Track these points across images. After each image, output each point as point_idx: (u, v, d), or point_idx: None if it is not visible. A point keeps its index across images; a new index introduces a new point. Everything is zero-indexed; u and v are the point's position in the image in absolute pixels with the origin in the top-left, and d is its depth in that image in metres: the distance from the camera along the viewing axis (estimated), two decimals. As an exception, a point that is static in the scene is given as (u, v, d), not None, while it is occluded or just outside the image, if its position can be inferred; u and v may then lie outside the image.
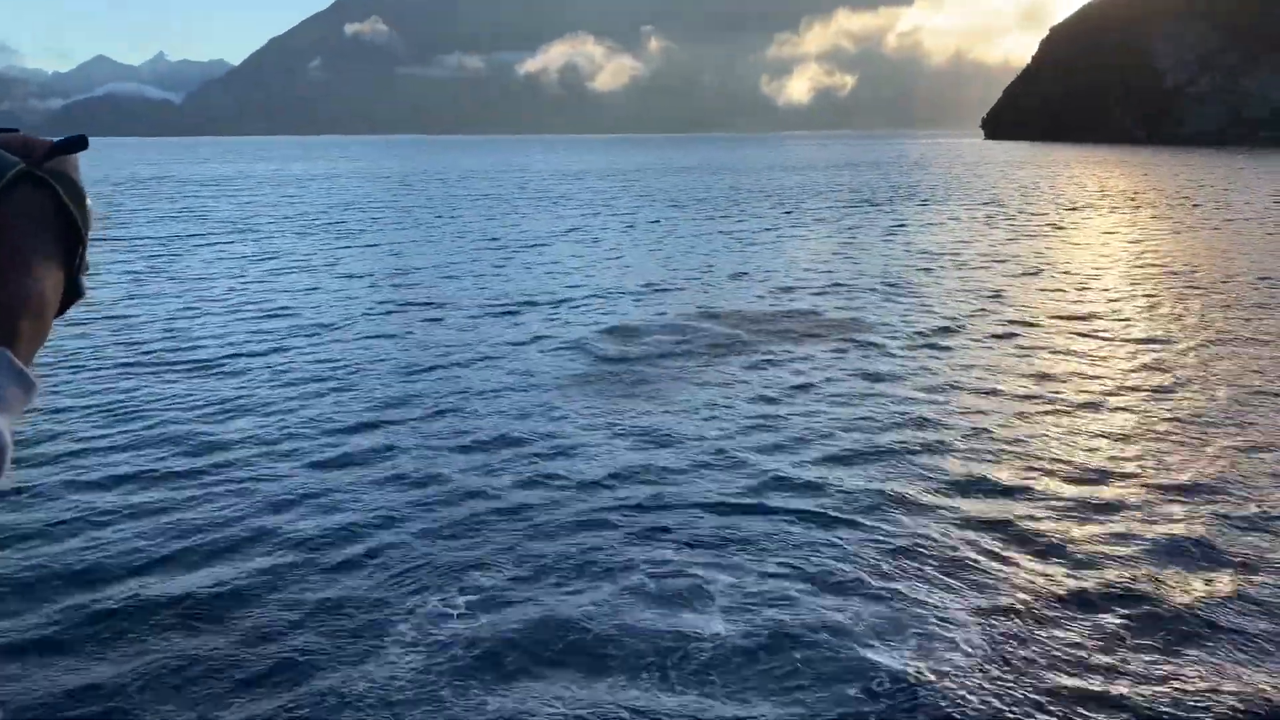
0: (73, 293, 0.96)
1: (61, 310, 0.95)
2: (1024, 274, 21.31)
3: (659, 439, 9.78)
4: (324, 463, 9.14)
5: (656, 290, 19.48)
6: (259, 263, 24.58)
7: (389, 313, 17.36)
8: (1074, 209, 38.81)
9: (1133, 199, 43.92)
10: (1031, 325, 15.51)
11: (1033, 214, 36.77)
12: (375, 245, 28.45)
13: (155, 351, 14.02)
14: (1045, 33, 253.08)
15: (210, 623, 6.16)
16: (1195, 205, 39.47)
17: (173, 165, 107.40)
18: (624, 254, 25.92)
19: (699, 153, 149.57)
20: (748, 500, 8.21)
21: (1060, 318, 16.13)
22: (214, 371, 12.82)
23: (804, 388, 11.78)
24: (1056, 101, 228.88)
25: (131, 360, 13.47)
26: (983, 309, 17.02)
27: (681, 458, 9.24)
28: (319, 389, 11.85)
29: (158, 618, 6.22)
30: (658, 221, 35.62)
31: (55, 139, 0.94)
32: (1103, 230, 30.73)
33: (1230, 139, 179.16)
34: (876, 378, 12.23)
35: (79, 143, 0.94)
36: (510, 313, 17.21)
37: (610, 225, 34.43)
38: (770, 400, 11.21)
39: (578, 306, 17.74)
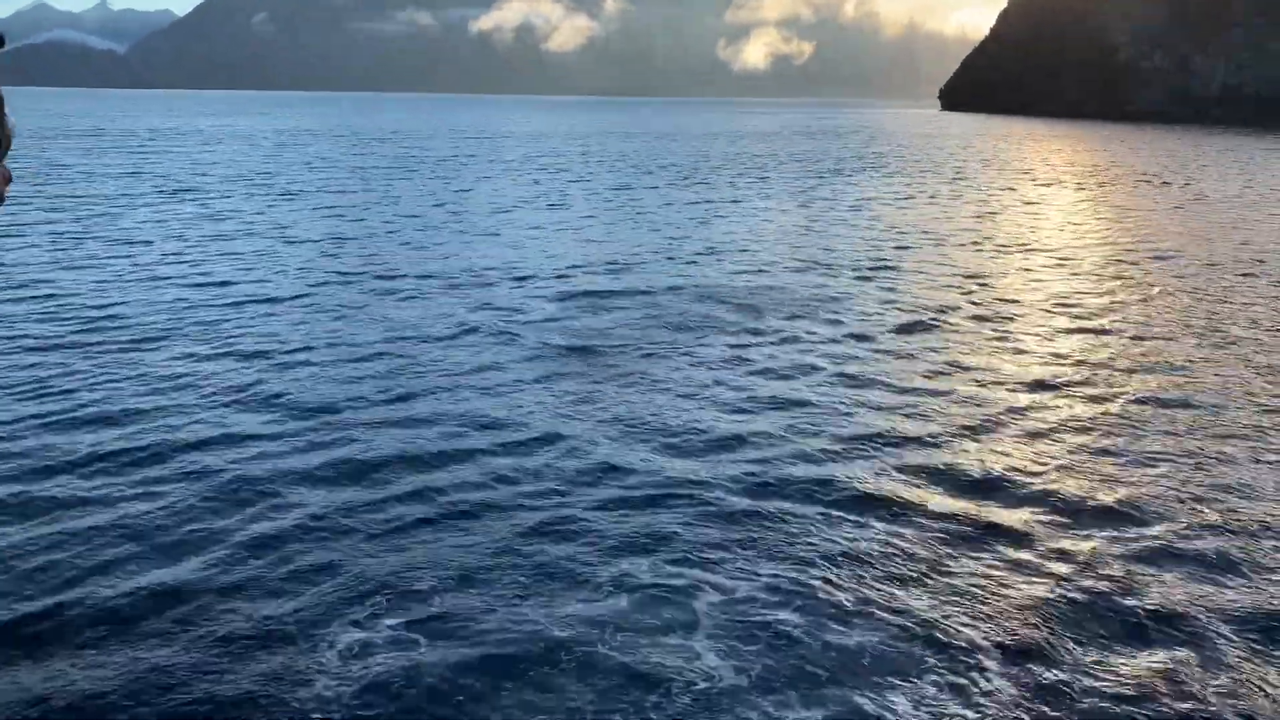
0: None
1: None
2: (1003, 254, 20.56)
3: (627, 436, 8.79)
4: (253, 462, 8.03)
5: (624, 266, 18.39)
6: (198, 225, 23.06)
7: (334, 287, 16.07)
8: (1046, 185, 38.23)
9: (1100, 175, 43.52)
10: (1017, 314, 14.70)
11: (1002, 188, 36.14)
12: (323, 209, 26.97)
13: (78, 328, 12.70)
14: (999, 6, 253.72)
15: (104, 654, 5.07)
16: (1164, 183, 39.15)
17: (114, 118, 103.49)
18: (590, 225, 24.75)
19: (660, 117, 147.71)
20: (730, 506, 7.29)
21: (1048, 305, 15.34)
22: (140, 352, 11.55)
23: (784, 377, 10.84)
24: (1012, 75, 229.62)
25: (50, 337, 12.14)
26: (966, 292, 16.18)
27: (653, 458, 8.26)
28: (253, 375, 10.66)
29: (46, 648, 5.12)
30: (623, 189, 34.41)
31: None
32: (1077, 208, 30.13)
33: (1180, 117, 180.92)
34: (860, 372, 11.31)
35: None
36: (467, 289, 16.04)
37: (573, 191, 33.17)
38: (749, 394, 10.25)
39: (540, 283, 16.62)
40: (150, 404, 9.59)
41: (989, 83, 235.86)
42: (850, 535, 6.92)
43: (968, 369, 11.40)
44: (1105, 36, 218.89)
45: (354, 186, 33.78)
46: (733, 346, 12.33)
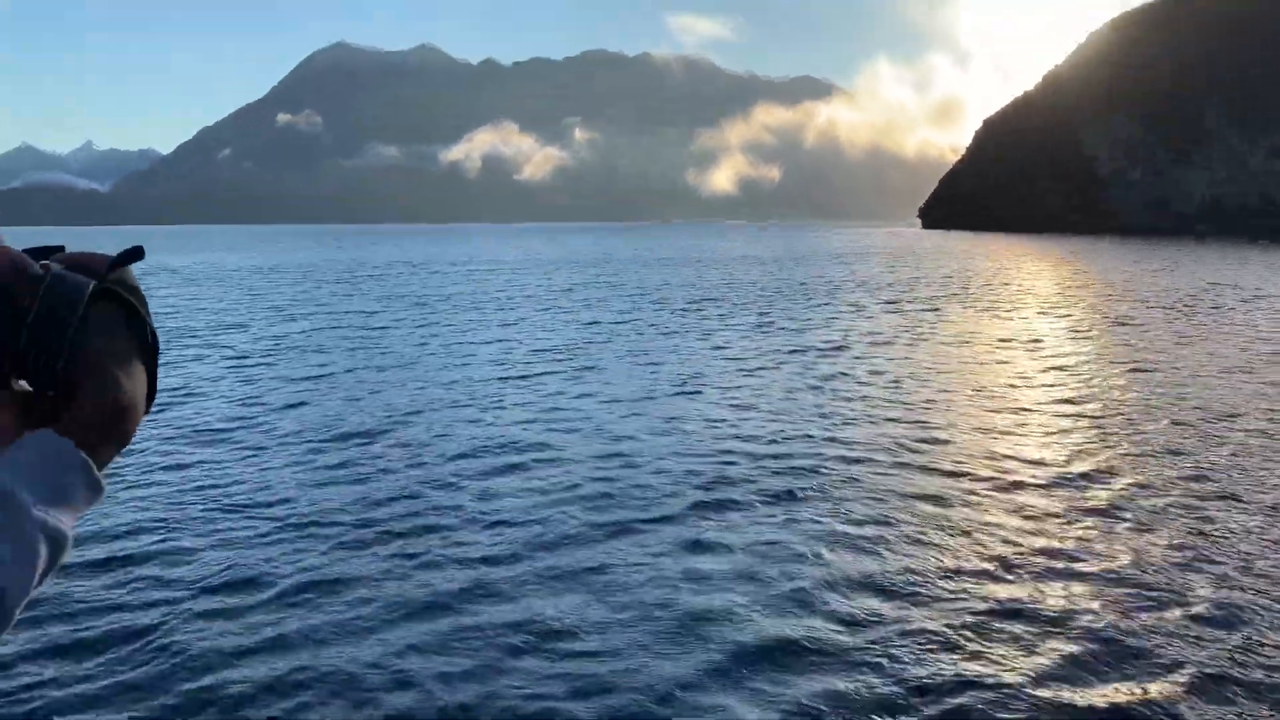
0: (152, 395, 1.02)
1: (146, 410, 1.02)
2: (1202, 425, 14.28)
3: None
4: None
5: (756, 463, 11.92)
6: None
7: (283, 549, 9.38)
8: (1122, 322, 32.38)
9: (1168, 306, 37.97)
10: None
11: (1098, 319, 30.23)
12: (297, 380, 20.48)
13: None
14: (957, 126, 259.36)
15: None
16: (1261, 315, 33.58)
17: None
18: (653, 393, 18.38)
19: (652, 242, 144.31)
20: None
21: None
22: None
23: None
24: (990, 192, 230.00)
25: None
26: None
27: None
28: None
29: None
30: (678, 330, 28.13)
31: (113, 254, 0.99)
32: (1201, 353, 24.01)
33: (1164, 229, 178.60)
34: None
35: (136, 253, 1.00)
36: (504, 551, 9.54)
37: (606, 338, 26.93)
38: None
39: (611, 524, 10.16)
40: None
41: (968, 200, 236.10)
42: None
43: None
44: (1083, 151, 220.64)
45: (335, 344, 27.32)
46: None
